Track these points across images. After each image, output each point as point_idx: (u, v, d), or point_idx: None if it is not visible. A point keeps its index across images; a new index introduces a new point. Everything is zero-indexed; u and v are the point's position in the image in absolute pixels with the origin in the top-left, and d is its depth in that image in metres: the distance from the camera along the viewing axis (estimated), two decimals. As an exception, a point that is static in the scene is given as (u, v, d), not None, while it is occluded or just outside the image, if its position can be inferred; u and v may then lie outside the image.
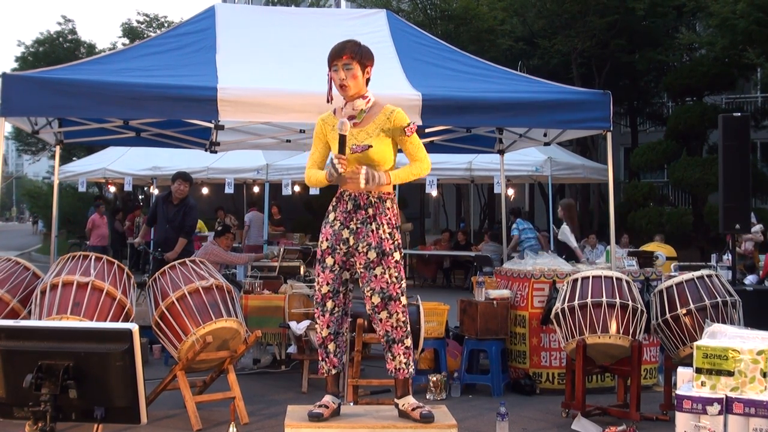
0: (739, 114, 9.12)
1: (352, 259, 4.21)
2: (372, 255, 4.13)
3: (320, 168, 4.38)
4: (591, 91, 7.45)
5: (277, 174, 16.08)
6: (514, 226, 13.95)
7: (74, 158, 23.67)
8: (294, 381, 7.45)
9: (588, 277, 6.29)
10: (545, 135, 8.17)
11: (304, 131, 8.64)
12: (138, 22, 30.47)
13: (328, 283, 4.24)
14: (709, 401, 3.86)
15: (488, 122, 7.52)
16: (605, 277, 6.26)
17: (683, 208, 18.37)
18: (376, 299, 4.18)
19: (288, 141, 9.05)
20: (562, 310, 6.22)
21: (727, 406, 3.87)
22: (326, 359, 4.40)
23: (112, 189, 21.78)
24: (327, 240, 4.24)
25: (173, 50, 7.10)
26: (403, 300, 4.23)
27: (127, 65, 6.72)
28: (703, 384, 3.95)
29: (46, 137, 8.48)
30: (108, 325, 4.11)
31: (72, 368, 2.87)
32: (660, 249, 11.77)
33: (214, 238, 9.44)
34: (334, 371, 4.41)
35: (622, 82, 20.20)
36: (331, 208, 4.28)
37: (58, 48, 30.77)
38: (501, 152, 9.18)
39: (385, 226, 4.18)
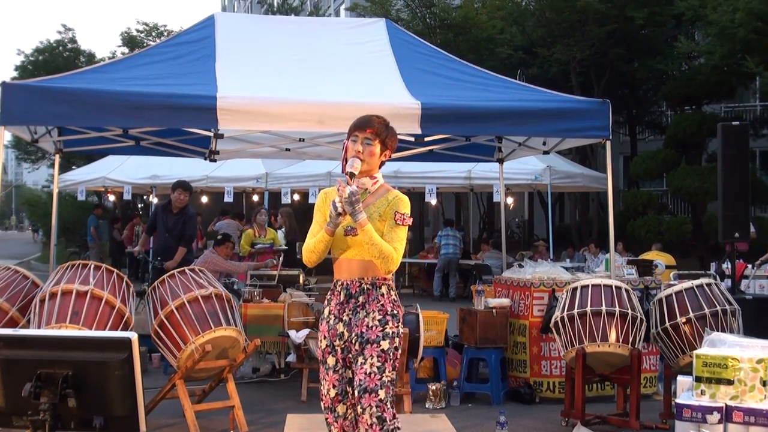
0: (739, 123, 9.12)
1: (350, 355, 3.78)
2: (357, 345, 3.72)
3: None
4: (590, 100, 7.45)
5: (276, 182, 16.10)
6: (439, 233, 16.61)
7: (73, 167, 23.68)
8: (293, 390, 7.44)
9: (587, 286, 6.29)
10: (544, 144, 8.17)
11: (303, 140, 8.65)
12: (137, 31, 30.54)
13: (334, 386, 3.77)
14: (709, 410, 3.86)
15: (487, 131, 7.52)
16: (605, 285, 6.26)
17: (682, 217, 18.36)
18: (356, 392, 3.68)
19: (287, 150, 9.05)
20: (562, 318, 6.22)
21: (726, 414, 3.86)
22: None
23: (112, 198, 21.79)
24: (325, 338, 3.83)
25: (173, 59, 7.10)
26: (381, 394, 3.64)
27: (127, 74, 6.73)
28: (702, 392, 3.95)
29: (45, 146, 8.48)
30: (107, 333, 4.11)
31: (71, 377, 2.86)
32: (659, 258, 11.76)
33: (213, 247, 9.44)
34: None
35: (621, 90, 20.22)
36: (326, 302, 3.89)
37: (58, 57, 30.81)
38: (500, 161, 9.18)
39: (376, 313, 3.74)
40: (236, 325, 5.92)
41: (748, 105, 22.20)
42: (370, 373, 3.65)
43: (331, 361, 3.78)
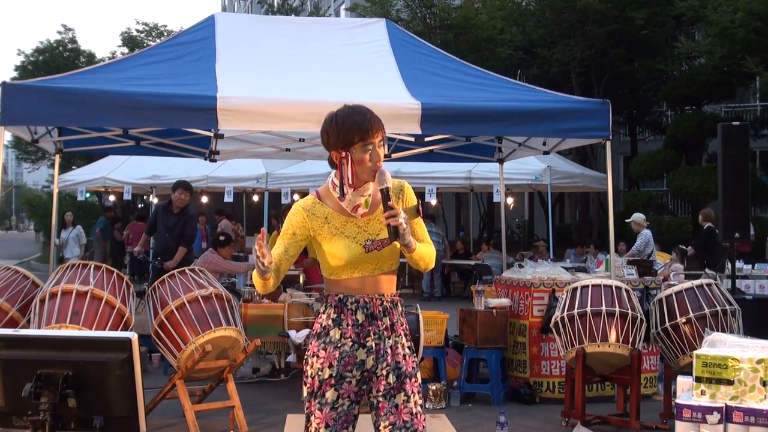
0: (739, 123, 9.13)
1: (365, 387, 3.13)
2: (392, 379, 3.10)
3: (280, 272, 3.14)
4: (590, 100, 7.45)
5: (276, 183, 16.12)
6: None
7: (73, 167, 23.69)
8: (293, 390, 7.44)
9: (587, 286, 6.29)
10: (544, 144, 8.17)
11: (303, 140, 8.65)
12: (138, 31, 30.68)
13: (327, 425, 3.06)
14: (709, 410, 3.85)
15: (488, 131, 7.53)
16: (605, 285, 6.26)
17: (682, 217, 18.38)
18: None
19: (287, 150, 9.06)
20: (562, 318, 6.22)
21: (726, 415, 3.86)
22: None
23: (112, 198, 21.78)
24: (331, 366, 3.07)
25: (173, 59, 7.11)
26: None
27: (127, 74, 6.73)
28: (702, 393, 3.94)
29: (45, 146, 8.48)
30: (107, 334, 4.12)
31: (71, 377, 2.86)
32: (659, 258, 11.77)
33: (213, 248, 9.44)
34: None
35: (622, 91, 20.24)
36: (329, 321, 3.12)
37: (58, 57, 30.87)
38: (500, 161, 9.19)
39: (404, 339, 3.17)
40: (236, 326, 5.92)
41: (749, 105, 22.22)
42: (416, 414, 3.12)
43: (331, 395, 3.07)
